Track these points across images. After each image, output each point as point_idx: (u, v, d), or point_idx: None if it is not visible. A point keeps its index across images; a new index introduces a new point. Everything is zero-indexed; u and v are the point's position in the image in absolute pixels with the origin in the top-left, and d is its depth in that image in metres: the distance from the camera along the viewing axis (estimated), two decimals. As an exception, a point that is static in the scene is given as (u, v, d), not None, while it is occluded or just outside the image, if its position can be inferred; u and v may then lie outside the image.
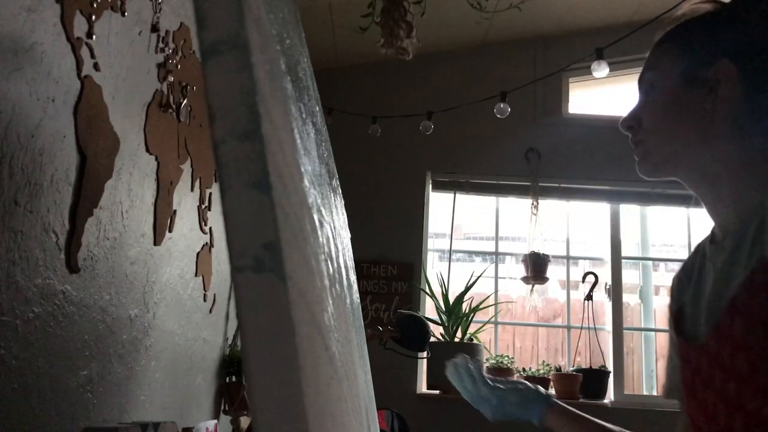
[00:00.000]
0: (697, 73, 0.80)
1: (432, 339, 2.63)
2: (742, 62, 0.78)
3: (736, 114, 0.78)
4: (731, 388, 0.70)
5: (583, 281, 3.42)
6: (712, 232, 0.85)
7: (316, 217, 0.51)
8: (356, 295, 1.04)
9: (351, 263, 1.04)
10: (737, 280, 0.72)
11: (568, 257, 3.61)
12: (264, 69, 0.35)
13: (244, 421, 2.39)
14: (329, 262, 0.57)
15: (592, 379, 3.17)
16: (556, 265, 3.62)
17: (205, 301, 2.20)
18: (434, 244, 3.81)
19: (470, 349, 3.15)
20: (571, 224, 3.63)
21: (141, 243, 1.69)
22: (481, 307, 3.31)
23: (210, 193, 2.22)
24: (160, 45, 1.79)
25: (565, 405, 1.11)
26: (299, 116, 0.56)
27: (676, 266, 4.34)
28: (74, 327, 1.37)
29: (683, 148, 0.81)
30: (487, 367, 3.25)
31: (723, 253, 0.78)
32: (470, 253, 4.90)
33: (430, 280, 3.37)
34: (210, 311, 2.25)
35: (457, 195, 3.57)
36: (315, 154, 0.66)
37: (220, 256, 2.32)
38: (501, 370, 3.24)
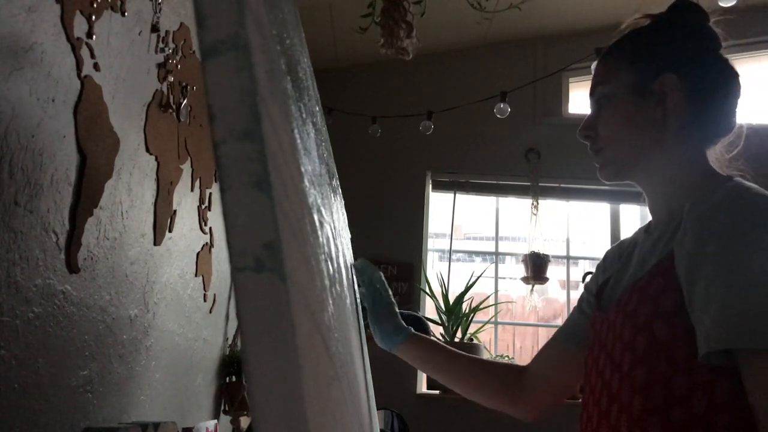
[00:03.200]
0: (645, 86, 0.87)
1: (432, 339, 2.63)
2: (683, 73, 0.86)
3: (683, 121, 0.86)
4: (617, 350, 0.81)
5: (583, 281, 3.42)
6: (649, 224, 0.96)
7: (316, 217, 0.51)
8: (356, 295, 1.05)
9: (351, 263, 1.04)
10: (648, 265, 0.82)
11: (568, 257, 3.61)
12: (264, 69, 0.35)
13: (244, 421, 2.39)
14: (329, 262, 0.57)
15: (592, 379, 3.17)
16: (556, 265, 3.62)
17: (205, 301, 2.20)
18: (434, 244, 3.81)
19: (470, 349, 3.15)
20: (571, 224, 3.63)
21: (141, 243, 1.69)
22: (481, 307, 3.30)
23: (210, 193, 2.22)
24: (160, 45, 1.79)
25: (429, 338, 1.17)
26: (299, 116, 0.56)
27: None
28: (74, 327, 1.37)
29: (639, 155, 0.89)
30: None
31: (648, 241, 0.88)
32: (470, 253, 4.90)
33: (430, 280, 3.37)
34: (210, 311, 2.25)
35: (457, 195, 3.57)
36: (315, 154, 0.66)
37: (220, 256, 2.32)
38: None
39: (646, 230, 0.95)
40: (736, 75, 0.90)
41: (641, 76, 0.88)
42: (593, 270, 1.07)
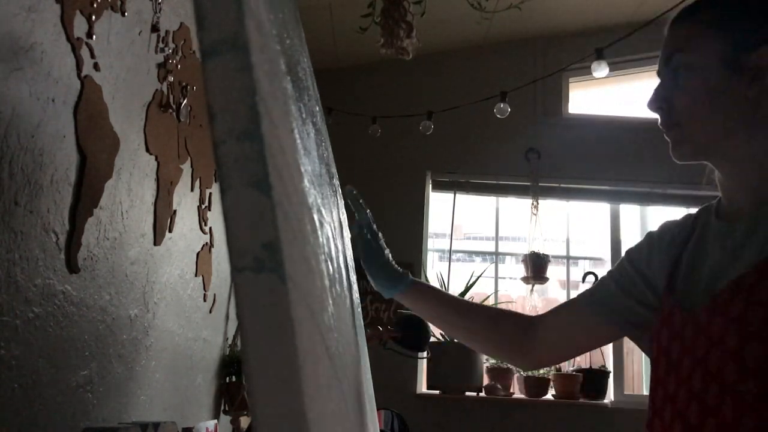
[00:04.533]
0: (739, 58, 0.77)
1: (432, 339, 2.63)
2: None
3: None
4: (714, 358, 0.71)
5: (583, 281, 3.42)
6: (719, 207, 0.86)
7: (316, 217, 0.51)
8: (356, 295, 1.04)
9: (351, 263, 1.04)
10: (747, 261, 0.72)
11: (568, 257, 3.61)
12: (264, 69, 0.35)
13: (244, 421, 2.39)
14: (329, 262, 0.57)
15: (592, 379, 3.17)
16: (556, 265, 3.62)
17: (205, 301, 2.20)
18: (434, 244, 3.81)
19: (470, 349, 3.15)
20: (571, 224, 3.63)
21: (141, 243, 1.69)
22: (481, 307, 3.30)
23: (210, 193, 2.22)
24: (160, 45, 1.79)
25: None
26: (299, 116, 0.56)
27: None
28: (74, 327, 1.37)
29: (723, 136, 0.79)
30: (486, 366, 3.25)
31: (733, 232, 0.78)
32: (470, 253, 4.90)
33: (430, 280, 3.37)
34: (210, 311, 2.25)
35: (457, 195, 3.57)
36: (315, 154, 0.66)
37: (220, 256, 2.32)
38: (501, 370, 3.24)
39: (716, 215, 0.85)
40: None
41: (735, 46, 0.77)
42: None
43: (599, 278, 1.02)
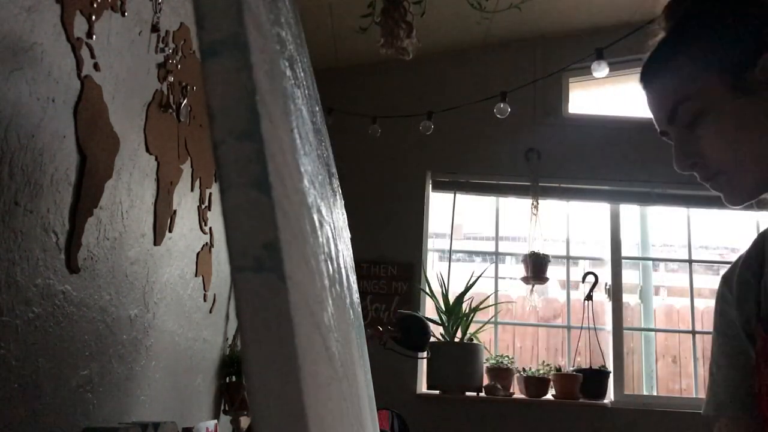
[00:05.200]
0: (744, 78, 0.71)
1: (432, 339, 2.63)
2: None
3: None
4: None
5: (583, 281, 3.42)
6: None
7: (316, 217, 0.51)
8: (356, 295, 1.04)
9: (351, 263, 1.04)
10: None
11: (568, 257, 3.61)
12: (264, 69, 0.35)
13: (244, 421, 2.39)
14: (329, 262, 0.57)
15: (592, 379, 3.17)
16: (556, 265, 3.62)
17: (205, 301, 2.20)
18: (434, 244, 3.81)
19: (470, 349, 3.15)
20: (571, 224, 3.63)
21: (141, 243, 1.69)
22: (481, 307, 3.30)
23: (210, 193, 2.22)
24: (160, 45, 1.79)
25: None
26: (299, 116, 0.56)
27: (677, 266, 4.34)
28: (74, 327, 1.37)
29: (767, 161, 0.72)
30: (486, 366, 3.25)
31: None
32: (470, 253, 4.90)
33: (430, 280, 3.37)
34: (210, 311, 2.25)
35: (457, 195, 3.57)
36: (315, 154, 0.66)
37: (220, 256, 2.32)
38: (501, 370, 3.24)
39: None
40: None
41: (735, 70, 0.71)
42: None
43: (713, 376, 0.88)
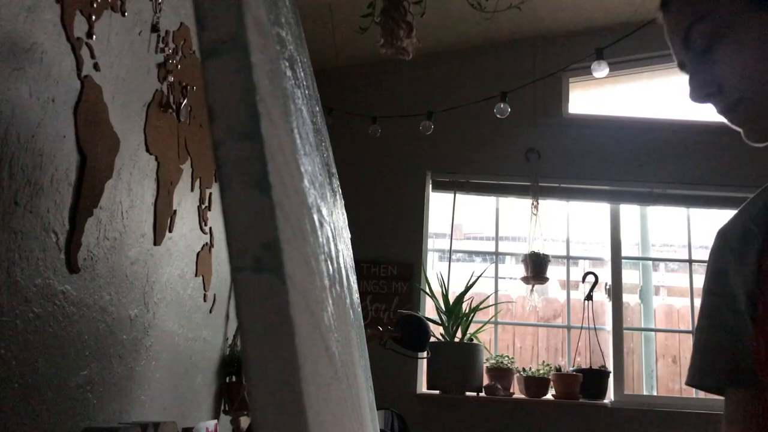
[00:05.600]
0: None
1: (432, 339, 2.63)
2: None
3: None
4: None
5: (583, 281, 3.42)
6: None
7: (316, 217, 0.51)
8: (356, 296, 1.04)
9: (351, 263, 1.04)
10: None
11: (568, 257, 3.61)
12: (264, 69, 0.35)
13: (244, 421, 2.39)
14: (329, 263, 0.57)
15: (592, 379, 3.17)
16: (556, 265, 3.62)
17: (205, 301, 2.20)
18: (434, 244, 3.81)
19: (470, 349, 3.15)
20: (571, 224, 3.63)
21: (141, 243, 1.69)
22: (481, 307, 3.30)
23: (210, 193, 2.22)
24: (160, 45, 1.79)
25: None
26: (299, 116, 0.56)
27: (676, 266, 4.34)
28: (74, 327, 1.37)
29: None
30: (486, 366, 3.25)
31: None
32: (470, 253, 4.90)
33: (430, 280, 3.37)
34: (210, 311, 2.25)
35: (457, 195, 3.57)
36: (315, 154, 0.66)
37: (220, 256, 2.32)
38: (501, 370, 3.23)
39: None
40: None
41: None
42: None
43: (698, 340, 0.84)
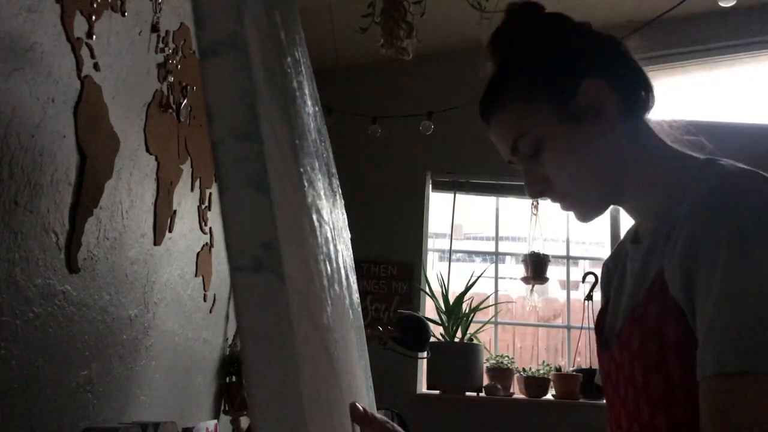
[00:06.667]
0: (570, 108, 0.75)
1: (432, 339, 2.63)
2: (602, 72, 0.75)
3: (623, 116, 0.75)
4: (630, 396, 0.71)
5: (583, 281, 3.42)
6: (636, 229, 0.83)
7: (315, 217, 0.51)
8: (356, 296, 1.04)
9: (351, 263, 1.04)
10: (643, 288, 0.71)
11: (568, 257, 3.61)
12: (263, 69, 0.35)
13: (244, 421, 2.39)
14: (328, 263, 0.57)
15: (592, 379, 3.17)
16: (556, 265, 3.61)
17: (205, 301, 2.20)
18: (434, 244, 3.81)
19: (470, 349, 3.15)
20: (571, 224, 3.63)
21: (141, 243, 1.69)
22: (481, 307, 3.30)
23: (210, 193, 2.22)
24: (160, 45, 1.79)
25: None
26: (299, 116, 0.56)
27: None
28: (74, 327, 1.37)
29: (608, 179, 0.77)
30: (486, 366, 3.25)
31: (639, 256, 0.76)
32: (470, 253, 4.90)
33: (430, 280, 3.37)
34: (210, 311, 2.25)
35: (457, 195, 3.57)
36: (315, 155, 0.66)
37: (220, 256, 2.32)
38: (501, 370, 3.24)
39: (633, 240, 0.82)
40: (611, 40, 0.81)
41: (559, 101, 0.76)
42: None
43: None
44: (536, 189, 0.81)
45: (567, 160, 0.77)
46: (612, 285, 0.85)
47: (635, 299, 0.73)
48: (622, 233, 3.46)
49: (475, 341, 3.23)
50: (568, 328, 3.54)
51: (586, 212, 0.80)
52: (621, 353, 0.72)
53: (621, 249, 0.88)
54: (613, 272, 0.87)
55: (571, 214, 0.82)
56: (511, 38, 0.82)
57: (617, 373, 0.74)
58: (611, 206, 0.81)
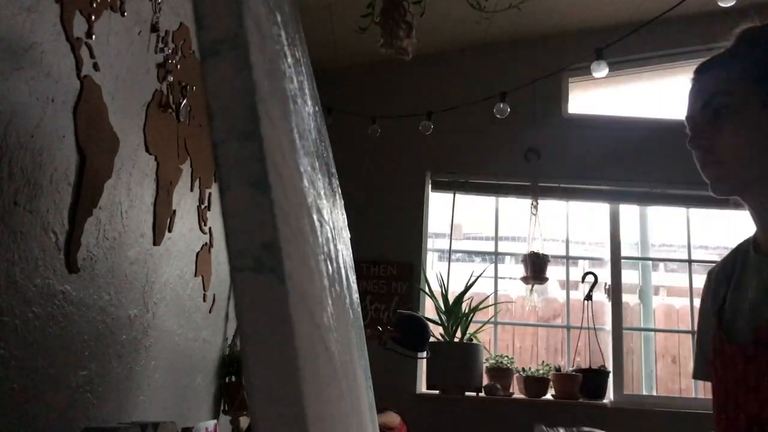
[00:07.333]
0: None
1: (431, 339, 2.63)
2: None
3: None
4: (763, 387, 0.80)
5: (583, 281, 3.42)
6: (756, 240, 0.93)
7: (315, 217, 0.51)
8: (356, 295, 1.04)
9: (351, 263, 1.04)
10: None
11: (567, 257, 3.61)
12: (263, 69, 0.35)
13: (244, 421, 2.39)
14: (328, 263, 0.57)
15: (592, 379, 3.17)
16: (556, 265, 3.62)
17: (204, 301, 2.20)
18: (434, 244, 3.80)
19: (470, 348, 3.15)
20: (571, 224, 3.63)
21: (140, 243, 1.69)
22: (480, 307, 3.30)
23: (210, 193, 2.22)
24: (160, 45, 1.79)
25: None
26: (299, 116, 0.56)
27: (676, 266, 4.34)
28: (74, 327, 1.37)
29: (761, 174, 0.86)
30: (486, 366, 3.25)
31: (765, 264, 0.86)
32: (470, 253, 4.90)
33: (429, 280, 3.37)
34: (210, 311, 2.25)
35: (457, 195, 3.57)
36: (315, 155, 0.66)
37: (220, 256, 2.32)
38: (501, 370, 3.24)
39: (755, 248, 0.93)
40: None
41: (766, 84, 0.86)
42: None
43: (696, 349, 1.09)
44: (699, 143, 0.90)
45: (745, 136, 0.86)
46: (725, 291, 0.96)
47: None
48: (622, 233, 3.45)
49: (474, 341, 3.23)
50: (568, 328, 3.54)
51: (726, 188, 0.90)
52: (759, 348, 0.82)
53: (734, 258, 0.98)
54: (724, 281, 0.97)
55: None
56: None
57: (746, 365, 0.84)
58: (726, 197, 0.92)
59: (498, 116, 3.04)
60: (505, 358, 3.29)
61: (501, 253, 3.72)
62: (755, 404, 0.82)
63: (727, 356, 0.88)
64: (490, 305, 3.41)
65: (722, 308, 0.95)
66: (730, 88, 0.88)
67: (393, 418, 2.28)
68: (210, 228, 2.21)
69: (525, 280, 3.38)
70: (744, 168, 0.87)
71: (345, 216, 1.03)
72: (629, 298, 3.66)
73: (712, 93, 0.90)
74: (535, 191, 3.47)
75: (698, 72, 0.94)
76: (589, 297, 3.35)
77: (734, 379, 0.86)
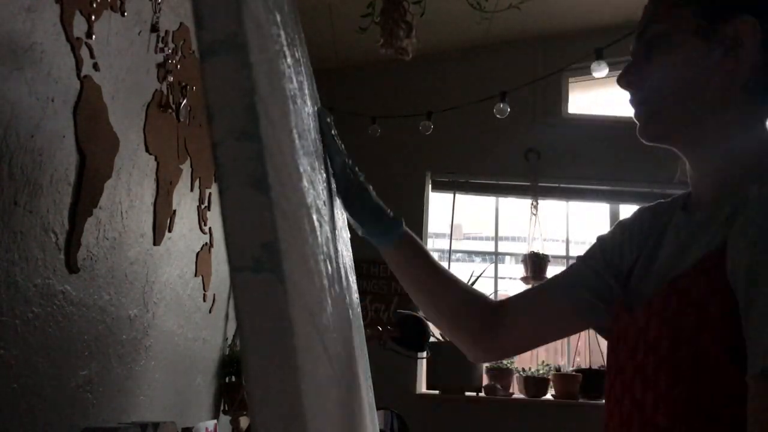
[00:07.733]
0: (714, 28, 0.71)
1: (431, 339, 2.63)
2: (763, 21, 0.70)
3: (756, 78, 0.71)
4: (650, 363, 0.68)
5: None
6: (687, 198, 0.81)
7: (314, 217, 0.51)
8: (356, 295, 1.04)
9: (351, 263, 1.04)
10: (693, 257, 0.68)
11: (567, 257, 3.61)
12: (263, 69, 0.35)
13: (244, 421, 2.39)
14: (328, 262, 0.57)
15: (592, 379, 3.17)
16: (556, 265, 3.61)
17: (204, 301, 2.20)
18: (434, 244, 3.80)
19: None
20: (571, 224, 3.63)
21: (140, 243, 1.69)
22: (480, 307, 3.30)
23: (210, 193, 2.22)
24: (160, 45, 1.79)
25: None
26: (298, 116, 0.56)
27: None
28: (74, 327, 1.37)
29: (695, 113, 0.74)
30: (486, 367, 3.25)
31: (689, 225, 0.74)
32: (470, 253, 4.90)
33: (429, 280, 3.36)
34: (210, 311, 2.25)
35: (457, 195, 3.57)
36: (314, 155, 0.66)
37: (220, 256, 2.32)
38: (501, 370, 3.23)
39: (683, 207, 0.79)
40: None
41: (709, 15, 0.72)
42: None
43: (572, 264, 0.96)
44: (627, 77, 0.79)
45: (672, 65, 0.74)
46: (643, 243, 0.82)
47: (677, 269, 0.70)
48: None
49: (474, 341, 3.22)
50: (568, 328, 3.54)
51: (655, 131, 0.78)
52: (648, 319, 0.70)
53: (662, 211, 0.84)
54: (649, 231, 0.83)
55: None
56: None
57: (636, 337, 0.71)
58: (656, 143, 0.79)
59: (498, 116, 3.04)
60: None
61: (501, 253, 3.72)
62: (639, 386, 0.69)
63: (621, 325, 0.76)
64: (490, 305, 3.40)
65: (633, 267, 0.82)
66: (664, 13, 0.76)
67: None
68: (210, 228, 2.21)
69: (525, 280, 3.38)
70: (675, 106, 0.75)
71: (345, 216, 1.03)
72: (629, 298, 3.65)
73: (647, 21, 0.79)
74: (535, 191, 3.47)
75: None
76: (589, 297, 3.35)
77: (625, 351, 0.74)
